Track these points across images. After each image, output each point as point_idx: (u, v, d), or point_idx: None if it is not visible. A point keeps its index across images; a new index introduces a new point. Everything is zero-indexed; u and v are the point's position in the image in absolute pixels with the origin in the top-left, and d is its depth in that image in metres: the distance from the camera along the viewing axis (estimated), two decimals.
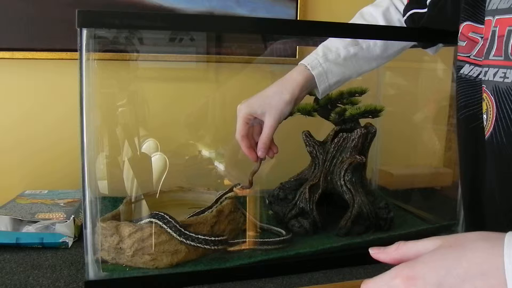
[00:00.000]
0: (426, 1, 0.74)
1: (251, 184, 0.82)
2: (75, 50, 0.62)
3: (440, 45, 0.82)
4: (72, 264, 0.75)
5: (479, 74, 0.60)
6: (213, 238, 0.75)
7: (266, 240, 0.82)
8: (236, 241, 0.80)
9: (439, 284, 0.36)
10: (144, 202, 0.90)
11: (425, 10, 0.74)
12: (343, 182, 0.89)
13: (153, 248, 0.73)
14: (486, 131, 0.56)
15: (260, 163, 0.79)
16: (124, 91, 1.04)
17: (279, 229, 0.87)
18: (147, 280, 0.71)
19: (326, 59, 0.77)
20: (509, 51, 0.52)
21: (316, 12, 1.19)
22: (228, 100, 1.12)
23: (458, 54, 0.64)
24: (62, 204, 0.92)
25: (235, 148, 0.83)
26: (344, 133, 0.91)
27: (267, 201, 0.97)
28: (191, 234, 0.74)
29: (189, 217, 0.80)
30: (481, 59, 0.59)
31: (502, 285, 0.34)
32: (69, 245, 0.82)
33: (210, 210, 0.83)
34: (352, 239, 0.85)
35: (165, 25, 0.67)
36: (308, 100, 0.91)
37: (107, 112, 0.97)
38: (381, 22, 0.80)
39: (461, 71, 0.63)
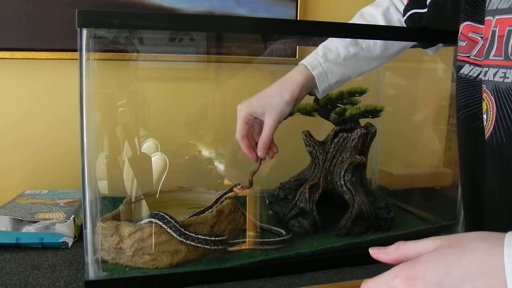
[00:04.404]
0: (426, 1, 0.73)
1: (251, 184, 0.82)
2: (75, 50, 0.62)
3: (440, 45, 0.82)
4: (72, 264, 0.75)
5: (479, 74, 0.60)
6: (213, 238, 0.75)
7: (266, 240, 0.82)
8: (236, 241, 0.80)
9: (439, 284, 0.36)
10: (144, 202, 0.90)
11: (425, 10, 0.74)
12: (343, 182, 0.89)
13: (153, 248, 0.73)
14: (486, 131, 0.56)
15: (260, 163, 0.79)
16: (124, 91, 1.04)
17: (279, 229, 0.87)
18: (147, 280, 0.71)
19: (326, 59, 0.77)
20: (509, 51, 0.52)
21: (316, 12, 1.19)
22: (228, 100, 1.12)
23: (458, 54, 0.64)
24: (62, 204, 0.92)
25: (235, 148, 0.83)
26: (344, 133, 0.91)
27: (267, 201, 0.97)
28: (191, 234, 0.74)
29: (189, 217, 0.80)
30: (481, 59, 0.59)
31: (502, 285, 0.34)
32: (69, 245, 0.82)
33: (210, 210, 0.83)
34: (352, 239, 0.85)
35: (165, 25, 0.67)
36: (308, 100, 0.91)
37: (107, 112, 0.97)
38: (381, 22, 0.80)
39: (461, 71, 0.63)
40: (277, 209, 0.93)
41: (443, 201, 1.17)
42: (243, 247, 0.80)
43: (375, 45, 0.79)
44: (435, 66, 1.23)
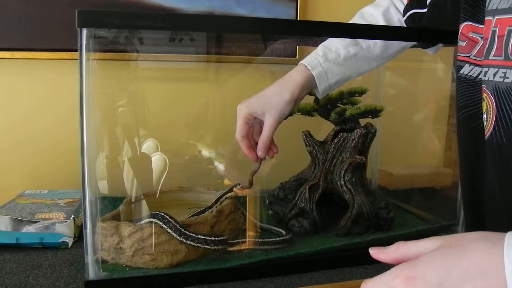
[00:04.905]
0: (426, 1, 0.74)
1: (251, 184, 0.82)
2: (75, 50, 0.62)
3: (440, 45, 0.82)
4: (72, 264, 0.75)
5: (479, 74, 0.60)
6: (213, 238, 0.75)
7: (266, 240, 0.82)
8: (236, 241, 0.80)
9: (439, 284, 0.36)
10: (144, 202, 0.90)
11: (425, 10, 0.74)
12: (343, 182, 0.89)
13: (153, 248, 0.73)
14: (486, 131, 0.56)
15: (260, 163, 0.79)
16: (124, 91, 1.04)
17: (279, 229, 0.87)
18: (147, 280, 0.71)
19: (326, 59, 0.77)
20: (509, 51, 0.52)
21: (316, 12, 1.19)
22: (228, 100, 1.12)
23: (458, 54, 0.64)
24: (62, 204, 0.92)
25: (235, 148, 0.83)
26: (344, 133, 0.91)
27: (267, 201, 0.97)
28: (191, 234, 0.74)
29: (189, 217, 0.80)
30: (481, 59, 0.59)
31: (502, 285, 0.34)
32: (69, 245, 0.82)
33: (210, 210, 0.83)
34: (352, 239, 0.85)
35: (165, 25, 0.67)
36: (308, 100, 0.91)
37: (107, 112, 0.97)
38: (381, 22, 0.80)
39: (461, 71, 0.63)
40: (277, 209, 0.93)
41: (443, 201, 1.17)
42: (243, 247, 0.80)
43: (375, 45, 0.79)
44: (435, 66, 1.23)
